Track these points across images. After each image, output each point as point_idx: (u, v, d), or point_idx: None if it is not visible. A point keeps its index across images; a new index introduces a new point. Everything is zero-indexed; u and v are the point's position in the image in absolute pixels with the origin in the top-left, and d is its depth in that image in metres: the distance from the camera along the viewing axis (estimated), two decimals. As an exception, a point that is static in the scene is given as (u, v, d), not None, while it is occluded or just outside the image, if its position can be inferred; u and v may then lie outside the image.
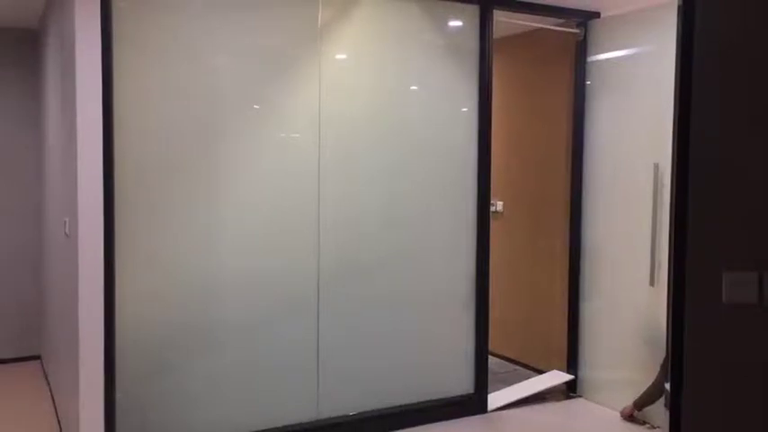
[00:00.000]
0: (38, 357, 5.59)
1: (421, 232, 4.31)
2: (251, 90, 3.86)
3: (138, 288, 3.59)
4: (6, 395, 4.87)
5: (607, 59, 4.70)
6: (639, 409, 4.31)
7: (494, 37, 4.44)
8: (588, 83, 4.81)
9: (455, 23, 4.38)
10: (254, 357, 3.89)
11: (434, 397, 4.37)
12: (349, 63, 4.13)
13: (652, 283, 4.27)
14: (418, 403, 4.31)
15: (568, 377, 4.87)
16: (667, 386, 1.83)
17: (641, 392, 4.26)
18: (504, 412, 4.51)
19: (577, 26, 4.82)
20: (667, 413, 1.83)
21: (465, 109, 4.42)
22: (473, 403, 4.47)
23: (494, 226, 4.61)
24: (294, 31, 3.95)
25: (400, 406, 4.25)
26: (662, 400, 3.73)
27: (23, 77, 5.56)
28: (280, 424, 3.92)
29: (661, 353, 3.85)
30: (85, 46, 3.35)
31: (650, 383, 4.19)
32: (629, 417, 4.36)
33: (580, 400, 4.80)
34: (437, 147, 4.34)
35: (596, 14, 4.76)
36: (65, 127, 3.85)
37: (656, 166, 4.22)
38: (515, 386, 4.83)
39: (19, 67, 5.55)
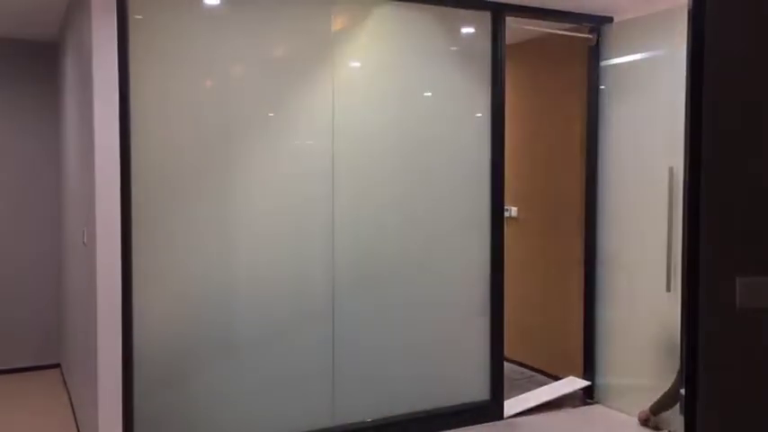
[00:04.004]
0: (57, 365, 5.65)
1: (435, 238, 4.32)
2: (267, 98, 3.89)
3: (156, 296, 3.62)
4: (26, 403, 4.92)
5: (620, 63, 4.68)
6: (655, 415, 4.28)
7: (506, 43, 4.44)
8: (602, 87, 4.79)
9: (468, 30, 4.39)
10: (271, 365, 3.90)
11: (450, 403, 4.36)
12: (363, 70, 4.15)
13: (668, 288, 4.23)
14: (434, 410, 4.31)
15: (585, 383, 4.83)
16: (682, 392, 1.81)
17: (657, 398, 4.23)
18: (521, 419, 4.49)
19: (590, 31, 4.81)
20: (683, 420, 1.82)
21: (479, 115, 4.42)
22: (489, 410, 4.45)
23: (508, 231, 4.60)
24: (308, 39, 3.98)
25: (416, 412, 4.25)
26: (678, 407, 3.70)
27: (42, 89, 5.63)
28: (296, 431, 3.94)
29: (678, 359, 3.81)
30: (103, 58, 3.41)
31: (666, 389, 4.15)
32: (645, 422, 4.33)
33: (597, 406, 4.77)
34: (451, 153, 4.35)
35: (609, 19, 4.75)
36: (83, 137, 3.91)
37: (671, 170, 4.20)
38: (532, 392, 4.80)
39: (38, 79, 5.62)
